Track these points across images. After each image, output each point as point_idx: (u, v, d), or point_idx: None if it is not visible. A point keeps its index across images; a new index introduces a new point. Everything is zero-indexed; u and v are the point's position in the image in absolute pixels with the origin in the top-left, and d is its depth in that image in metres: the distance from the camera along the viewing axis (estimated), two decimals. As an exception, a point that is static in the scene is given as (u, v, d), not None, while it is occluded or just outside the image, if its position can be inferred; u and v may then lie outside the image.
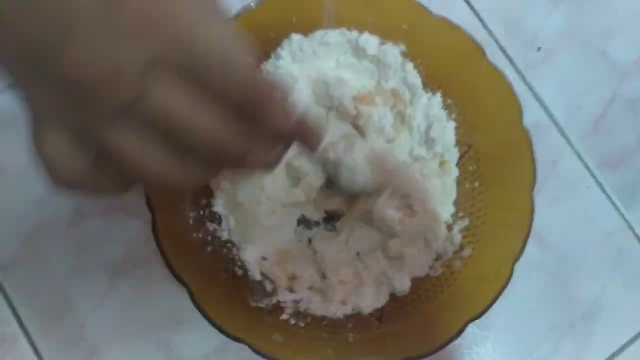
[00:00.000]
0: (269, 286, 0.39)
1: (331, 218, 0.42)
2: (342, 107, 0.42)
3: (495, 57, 0.47)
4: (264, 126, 0.21)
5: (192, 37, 0.18)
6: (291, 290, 0.40)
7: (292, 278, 0.40)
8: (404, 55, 0.43)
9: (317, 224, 0.42)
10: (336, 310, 0.39)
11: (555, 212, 0.46)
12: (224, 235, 0.41)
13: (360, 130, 0.43)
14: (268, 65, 0.42)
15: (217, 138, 0.20)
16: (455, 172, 0.43)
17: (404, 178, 0.41)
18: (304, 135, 0.23)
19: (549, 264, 0.45)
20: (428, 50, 0.43)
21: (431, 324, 0.38)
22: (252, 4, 0.40)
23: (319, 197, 0.41)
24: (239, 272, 0.40)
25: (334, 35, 0.43)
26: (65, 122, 0.19)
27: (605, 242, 0.47)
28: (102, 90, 0.18)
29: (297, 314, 0.39)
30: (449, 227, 0.42)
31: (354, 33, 0.43)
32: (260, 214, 0.40)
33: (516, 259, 0.38)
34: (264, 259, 0.40)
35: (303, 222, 0.42)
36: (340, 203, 0.41)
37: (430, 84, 0.44)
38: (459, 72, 0.43)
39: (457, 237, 0.41)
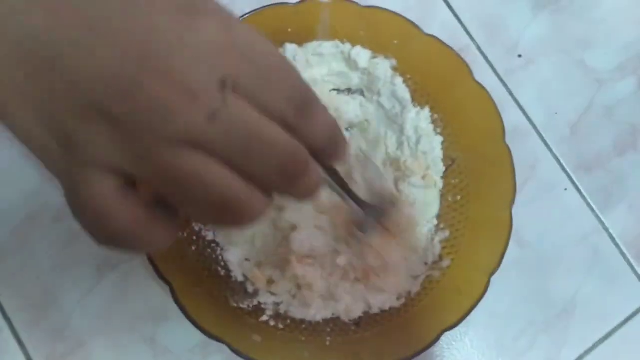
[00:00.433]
0: (250, 287, 0.40)
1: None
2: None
3: (476, 62, 0.49)
4: (317, 128, 0.20)
5: (253, 54, 0.18)
6: (272, 292, 0.40)
7: (270, 282, 0.40)
8: (394, 69, 0.44)
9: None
10: (315, 314, 0.40)
11: (534, 213, 0.47)
12: (209, 236, 0.41)
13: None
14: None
15: (289, 150, 0.19)
16: (439, 184, 0.44)
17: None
18: (337, 145, 0.22)
19: (527, 263, 0.47)
20: (418, 66, 0.44)
21: (408, 332, 0.39)
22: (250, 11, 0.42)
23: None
24: (222, 272, 0.40)
25: (328, 47, 0.44)
26: (118, 161, 0.17)
27: (581, 242, 0.48)
28: (174, 113, 0.17)
29: (277, 315, 0.40)
30: (431, 238, 0.43)
31: (347, 45, 0.44)
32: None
33: (492, 273, 0.39)
34: (247, 260, 0.41)
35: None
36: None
37: (418, 99, 0.45)
38: (447, 89, 0.44)
39: (437, 248, 0.42)
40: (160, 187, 0.18)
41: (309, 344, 0.39)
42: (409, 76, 0.45)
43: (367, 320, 0.41)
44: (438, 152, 0.44)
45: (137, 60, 0.16)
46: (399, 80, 0.45)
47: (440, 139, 0.45)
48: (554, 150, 0.50)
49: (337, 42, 0.44)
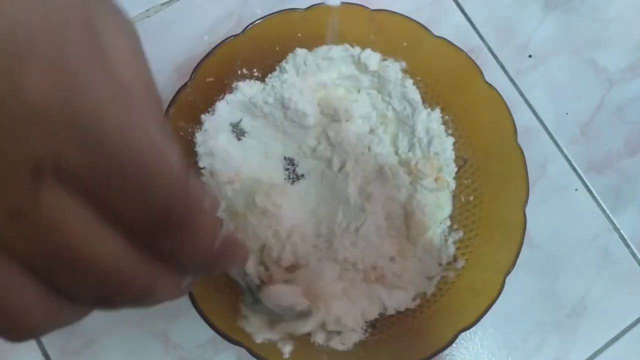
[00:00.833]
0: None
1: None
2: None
3: (487, 63, 0.50)
4: (183, 250, 0.16)
5: (103, 134, 0.13)
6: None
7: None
8: (404, 71, 0.45)
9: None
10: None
11: (544, 214, 0.47)
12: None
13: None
14: (272, 78, 0.43)
15: (122, 268, 0.15)
16: (452, 185, 0.45)
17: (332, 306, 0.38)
18: (231, 256, 0.19)
19: (537, 263, 0.47)
20: (428, 68, 0.44)
21: (423, 333, 0.39)
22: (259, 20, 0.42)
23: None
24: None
25: (338, 51, 0.44)
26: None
27: (591, 243, 0.48)
28: None
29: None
30: (445, 239, 0.44)
31: (357, 49, 0.44)
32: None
33: (508, 272, 0.39)
34: (261, 264, 0.41)
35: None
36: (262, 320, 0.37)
37: (429, 100, 0.45)
38: (458, 91, 0.44)
39: (451, 249, 0.42)
40: None
41: (326, 347, 0.39)
42: (419, 78, 0.45)
43: (383, 322, 0.41)
44: (450, 153, 0.45)
45: None
46: (409, 82, 0.45)
47: (451, 139, 0.45)
48: (564, 150, 0.50)
49: (347, 45, 0.44)
